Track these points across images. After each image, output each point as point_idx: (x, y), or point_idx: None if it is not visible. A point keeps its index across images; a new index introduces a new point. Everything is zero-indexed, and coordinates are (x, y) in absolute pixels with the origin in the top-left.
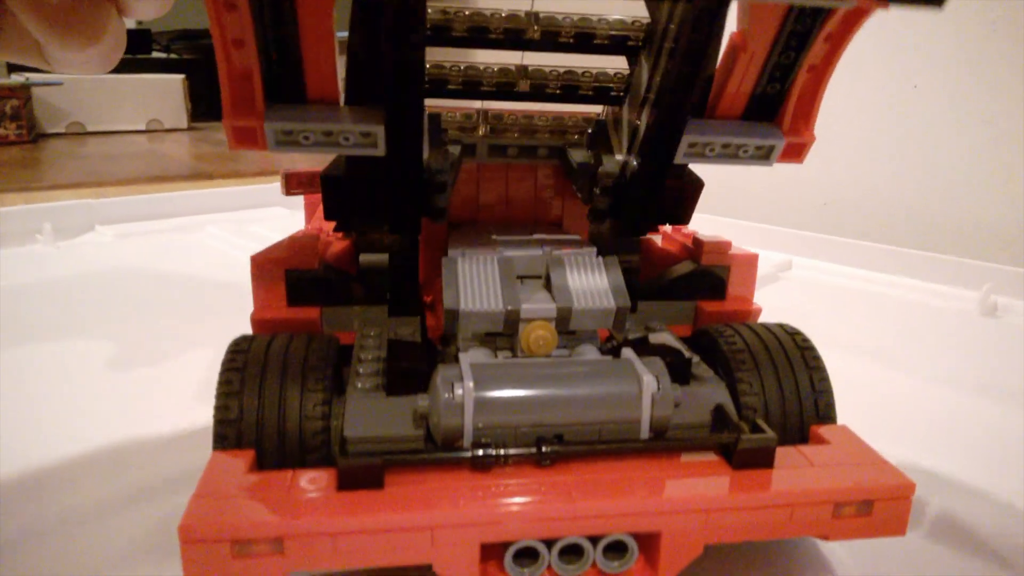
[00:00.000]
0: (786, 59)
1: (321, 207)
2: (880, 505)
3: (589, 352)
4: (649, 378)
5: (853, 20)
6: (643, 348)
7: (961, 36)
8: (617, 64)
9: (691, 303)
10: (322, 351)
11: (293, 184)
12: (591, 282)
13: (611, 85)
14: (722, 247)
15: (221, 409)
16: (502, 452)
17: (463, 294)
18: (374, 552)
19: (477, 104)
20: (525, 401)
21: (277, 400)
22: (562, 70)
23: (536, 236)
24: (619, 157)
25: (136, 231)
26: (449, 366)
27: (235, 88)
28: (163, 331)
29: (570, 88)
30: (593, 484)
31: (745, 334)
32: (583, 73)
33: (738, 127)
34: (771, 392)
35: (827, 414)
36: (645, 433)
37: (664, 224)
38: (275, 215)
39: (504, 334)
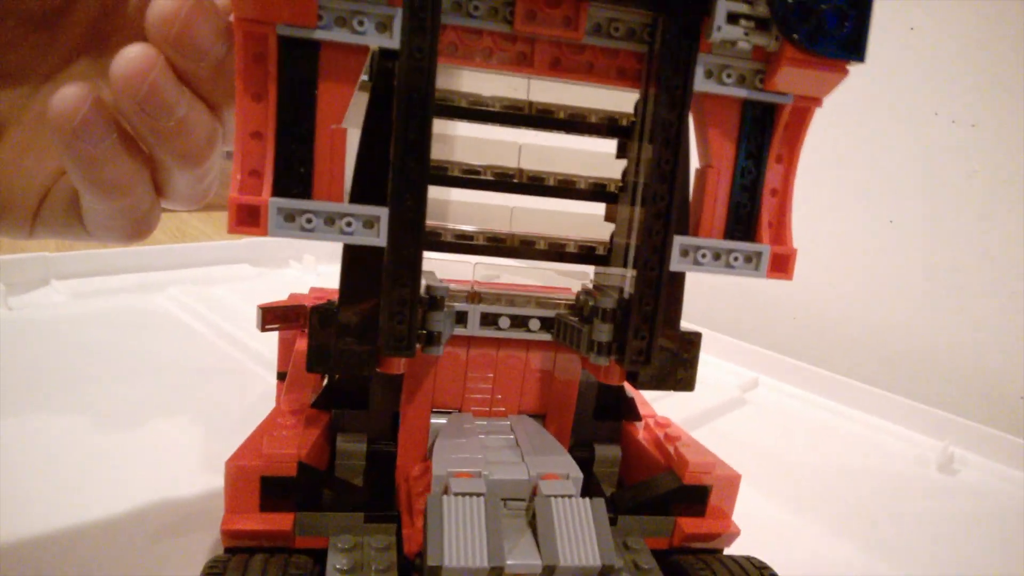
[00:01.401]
0: (748, 179)
1: (298, 347)
2: None
3: None
4: None
5: (794, 138)
6: None
7: (934, 178)
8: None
9: (670, 519)
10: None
11: (269, 319)
12: (578, 535)
13: (595, 245)
14: (707, 467)
15: None
16: None
17: (447, 546)
18: None
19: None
20: None
21: None
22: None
23: (525, 456)
24: (614, 296)
25: (100, 288)
26: None
27: (245, 177)
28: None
29: (557, 246)
30: None
31: (716, 568)
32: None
33: (724, 241)
34: None
35: None
36: None
37: (669, 388)
38: (240, 274)
39: None
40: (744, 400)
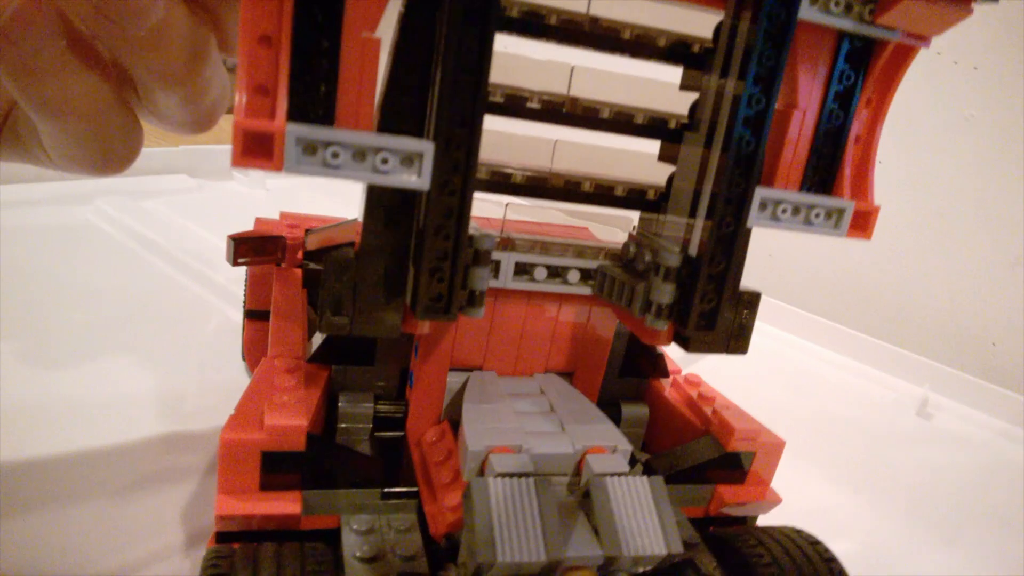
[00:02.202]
0: (834, 124)
1: (277, 290)
2: None
3: None
4: None
5: (889, 81)
6: None
7: (923, 124)
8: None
9: (709, 487)
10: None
11: (243, 252)
12: (640, 519)
13: (646, 189)
14: (751, 434)
15: None
16: None
17: (498, 538)
18: None
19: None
20: None
21: None
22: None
23: (565, 424)
24: (677, 251)
25: (15, 199)
26: None
27: (252, 95)
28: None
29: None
30: None
31: (770, 546)
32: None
33: (807, 195)
34: None
35: None
36: None
37: (720, 351)
38: (177, 186)
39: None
40: None
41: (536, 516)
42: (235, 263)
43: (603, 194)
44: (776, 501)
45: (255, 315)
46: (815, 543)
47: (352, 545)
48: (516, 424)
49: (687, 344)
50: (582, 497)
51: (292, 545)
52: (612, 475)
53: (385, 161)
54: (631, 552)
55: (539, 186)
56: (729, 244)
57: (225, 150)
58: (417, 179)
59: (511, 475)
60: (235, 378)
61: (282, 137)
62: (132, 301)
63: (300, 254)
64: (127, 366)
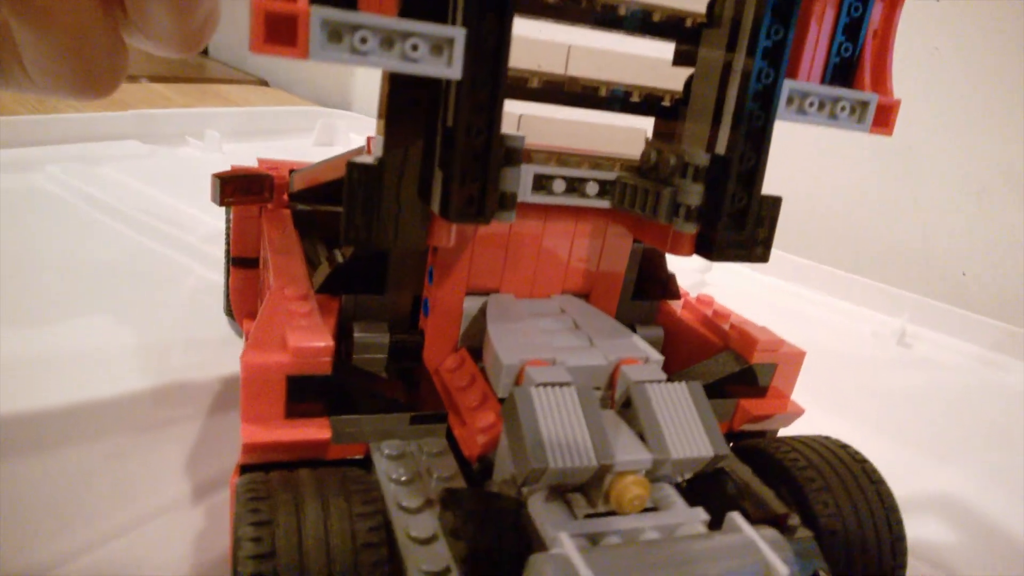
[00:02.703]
0: (854, 17)
1: (269, 230)
2: None
3: (673, 501)
4: (781, 567)
5: None
6: (722, 490)
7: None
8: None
9: (732, 401)
10: (368, 506)
11: (229, 192)
12: (683, 423)
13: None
14: (774, 344)
15: (249, 543)
16: None
17: (548, 444)
18: None
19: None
20: None
21: (321, 527)
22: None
23: (594, 339)
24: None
25: None
26: (555, 556)
27: None
28: None
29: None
30: None
31: (805, 451)
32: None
33: (833, 88)
34: (851, 522)
35: (901, 558)
36: None
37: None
38: (128, 151)
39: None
40: (704, 282)
41: (582, 423)
42: (222, 203)
43: (619, 100)
44: (799, 412)
45: (242, 263)
46: (844, 446)
47: (386, 469)
48: (545, 340)
49: (710, 252)
50: (621, 407)
51: (329, 469)
52: (651, 382)
53: (415, 48)
54: (679, 455)
55: (555, 91)
56: (759, 140)
57: (173, 116)
58: (448, 68)
59: (551, 384)
60: (219, 334)
61: (306, 19)
62: (102, 265)
63: (286, 196)
64: (106, 325)
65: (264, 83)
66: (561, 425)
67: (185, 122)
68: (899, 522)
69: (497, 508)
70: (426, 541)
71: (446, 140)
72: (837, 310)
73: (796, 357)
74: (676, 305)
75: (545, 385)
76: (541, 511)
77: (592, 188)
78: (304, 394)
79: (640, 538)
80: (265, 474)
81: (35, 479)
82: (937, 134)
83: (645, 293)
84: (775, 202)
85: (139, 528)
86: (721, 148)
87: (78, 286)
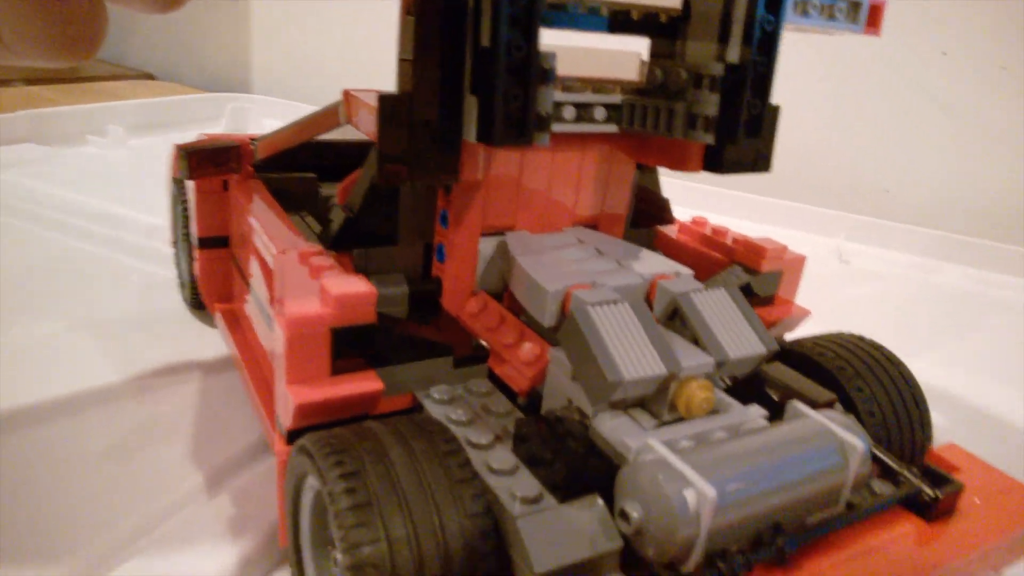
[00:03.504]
0: None
1: (244, 201)
2: None
3: (730, 403)
4: (855, 440)
5: None
6: (766, 388)
7: None
8: None
9: None
10: (450, 444)
11: (196, 163)
12: (732, 325)
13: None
14: (780, 252)
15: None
16: (746, 563)
17: (619, 359)
18: None
19: None
20: (754, 498)
21: (412, 469)
22: None
23: (620, 261)
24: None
25: None
26: (653, 461)
27: None
28: None
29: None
30: None
31: (830, 346)
32: None
33: None
34: (884, 403)
35: (928, 430)
36: (846, 496)
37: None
38: (25, 155)
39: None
40: None
41: (643, 335)
42: (192, 177)
43: (619, 19)
44: (805, 313)
45: (210, 243)
46: (861, 337)
47: (443, 413)
48: (577, 267)
49: (720, 166)
50: (666, 320)
51: (397, 416)
52: (694, 291)
53: None
54: (736, 355)
55: (561, 14)
56: (770, 45)
57: (69, 113)
58: None
59: (605, 303)
60: (182, 327)
61: None
62: (36, 272)
63: (250, 166)
64: (61, 332)
65: (150, 76)
66: (625, 339)
67: (82, 120)
68: (923, 399)
69: (568, 432)
70: (510, 471)
71: (480, 62)
72: (780, 238)
73: (798, 263)
74: (671, 230)
75: (600, 304)
76: (612, 429)
77: (600, 113)
78: (349, 346)
79: (711, 439)
80: (331, 432)
81: (41, 487)
82: (857, 60)
83: (641, 221)
84: (775, 111)
85: (162, 526)
86: (734, 57)
87: (17, 295)
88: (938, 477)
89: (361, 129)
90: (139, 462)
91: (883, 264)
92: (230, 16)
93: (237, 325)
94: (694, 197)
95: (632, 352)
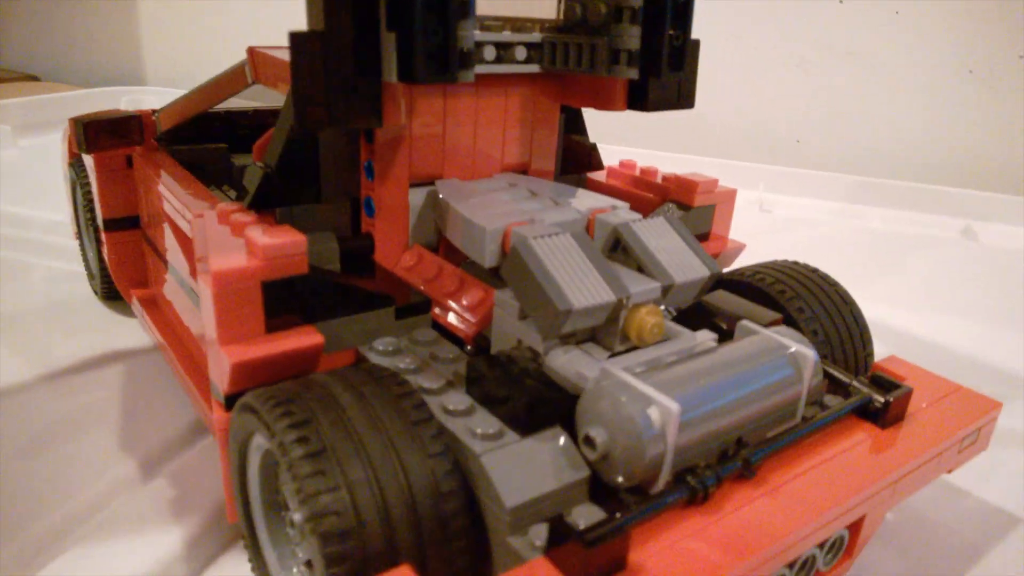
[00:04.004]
0: None
1: (152, 174)
2: (984, 430)
3: (679, 330)
4: (807, 351)
5: None
6: (712, 315)
7: None
8: None
9: None
10: (403, 386)
11: (94, 135)
12: (676, 251)
13: None
14: (711, 185)
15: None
16: (714, 476)
17: (566, 287)
18: None
19: None
20: (716, 412)
21: (365, 415)
22: None
23: (556, 200)
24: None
25: None
26: (613, 384)
27: None
28: None
29: None
30: (803, 490)
31: (766, 272)
32: None
33: None
34: (825, 321)
35: (870, 347)
36: (802, 408)
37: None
38: None
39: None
40: None
41: (588, 265)
42: (90, 150)
43: None
44: (740, 247)
45: (118, 224)
46: (796, 262)
47: (391, 364)
48: (514, 207)
49: (644, 104)
50: (608, 253)
51: (344, 367)
52: (633, 221)
53: None
54: (682, 279)
55: None
56: None
57: None
58: None
59: (547, 235)
60: (96, 319)
61: None
62: None
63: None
64: None
65: (34, 78)
66: (570, 270)
67: None
68: (861, 316)
69: (523, 369)
70: (467, 412)
71: None
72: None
73: (729, 195)
74: (600, 175)
75: (542, 236)
76: (566, 363)
77: (520, 53)
78: (280, 304)
79: (666, 363)
80: (273, 385)
81: None
82: (759, 12)
83: (570, 167)
84: (696, 45)
85: (97, 515)
86: None
87: None
88: (886, 384)
89: (270, 85)
90: (65, 453)
91: (804, 211)
92: (115, 9)
93: (157, 310)
94: (609, 158)
95: (579, 282)
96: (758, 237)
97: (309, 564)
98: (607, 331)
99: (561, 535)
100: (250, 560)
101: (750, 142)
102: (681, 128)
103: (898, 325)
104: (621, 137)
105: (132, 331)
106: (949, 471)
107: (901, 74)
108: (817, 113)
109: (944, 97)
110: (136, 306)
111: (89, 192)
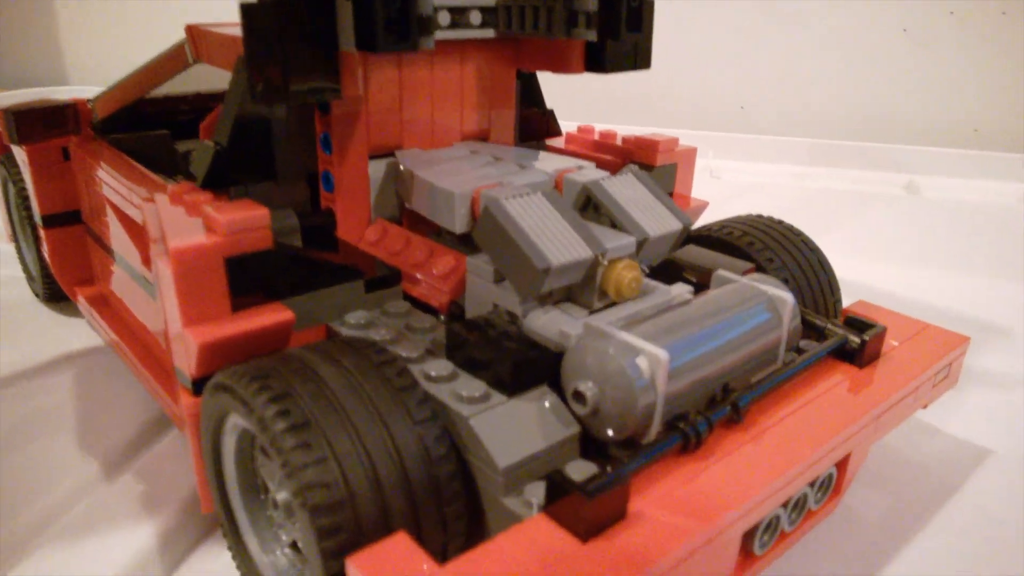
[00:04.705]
0: None
1: (92, 164)
2: (954, 364)
3: (655, 285)
4: (784, 295)
5: None
6: (684, 269)
7: None
8: None
9: None
10: (383, 355)
11: (28, 128)
12: (647, 206)
13: None
14: (672, 144)
15: (277, 419)
16: (705, 422)
17: (543, 245)
18: None
19: None
20: (703, 359)
21: (347, 383)
22: None
23: (520, 163)
24: None
25: None
26: (601, 337)
27: None
28: None
29: None
30: (792, 431)
31: (732, 225)
32: None
33: None
34: (795, 270)
35: (838, 293)
36: (783, 352)
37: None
38: None
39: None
40: None
41: (562, 222)
42: (22, 142)
43: None
44: (704, 205)
45: (57, 220)
46: (759, 216)
47: (366, 336)
48: (480, 172)
49: (603, 65)
50: (579, 212)
51: (322, 341)
52: (602, 179)
53: None
54: (656, 232)
55: None
56: None
57: None
58: None
59: (518, 196)
60: (39, 323)
61: None
62: None
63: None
64: None
65: None
66: (545, 228)
67: None
68: (827, 263)
69: (503, 332)
70: (450, 377)
71: None
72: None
73: (690, 154)
74: (559, 142)
75: (513, 197)
76: (546, 323)
77: (475, 17)
78: (245, 282)
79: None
80: (246, 362)
81: None
82: None
83: (529, 134)
84: (651, 5)
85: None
86: None
87: None
88: (860, 325)
89: (214, 62)
90: (24, 458)
91: (753, 176)
92: (29, 8)
93: (107, 307)
94: None
95: (555, 240)
96: (713, 205)
97: (295, 546)
98: (585, 289)
99: (560, 490)
100: (230, 548)
101: (695, 111)
102: (626, 100)
103: (850, 279)
104: (561, 113)
105: (81, 331)
106: (924, 406)
107: (838, 36)
108: (759, 78)
109: (881, 57)
110: (83, 304)
111: (23, 188)
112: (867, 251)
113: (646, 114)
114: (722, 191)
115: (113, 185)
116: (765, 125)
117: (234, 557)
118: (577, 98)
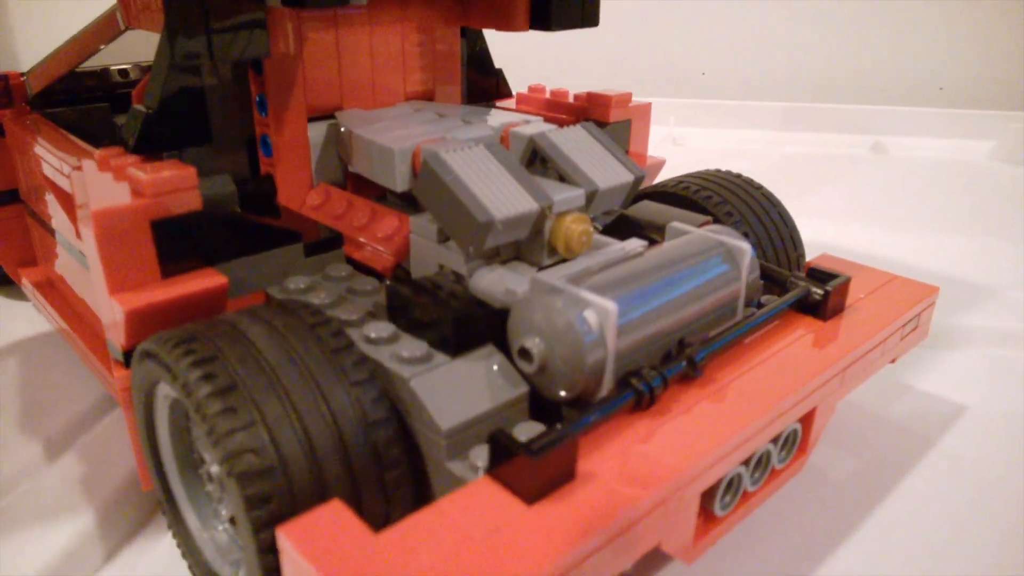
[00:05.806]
0: None
1: (26, 138)
2: (923, 316)
3: (607, 240)
4: (742, 244)
5: None
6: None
7: None
8: None
9: None
10: (317, 316)
11: None
12: (597, 157)
13: None
14: (626, 99)
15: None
16: (659, 377)
17: (485, 200)
18: (606, 566)
19: None
20: (656, 312)
21: (278, 346)
22: None
23: (465, 118)
24: None
25: None
26: (547, 291)
27: None
28: None
29: None
30: (752, 385)
31: (690, 180)
32: None
33: None
34: (755, 224)
35: (800, 248)
36: (742, 305)
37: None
38: None
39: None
40: None
41: (505, 174)
42: None
43: None
44: (661, 162)
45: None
46: (717, 170)
47: (306, 299)
48: (423, 128)
49: (548, 21)
50: (527, 165)
51: (255, 305)
52: (550, 131)
53: None
54: (606, 184)
55: None
56: None
57: None
58: None
59: (460, 149)
60: None
61: None
62: None
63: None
64: None
65: None
66: (488, 181)
67: None
68: (789, 217)
69: (449, 292)
70: (390, 339)
71: None
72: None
73: (645, 110)
74: (509, 104)
75: (454, 150)
76: (492, 281)
77: None
78: (176, 247)
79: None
80: (172, 329)
81: None
82: None
83: (478, 96)
84: None
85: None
86: None
87: None
88: (823, 276)
89: (145, 26)
90: None
91: (716, 142)
92: None
93: (51, 288)
94: None
95: (498, 193)
96: (675, 172)
97: (233, 521)
98: (533, 245)
99: (504, 450)
100: (169, 526)
101: (655, 77)
102: (580, 67)
103: (820, 241)
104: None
105: (24, 313)
106: (893, 360)
107: (797, 3)
108: (719, 43)
109: (841, 16)
110: (27, 286)
111: None
112: (836, 214)
113: (601, 82)
114: (685, 158)
115: (46, 158)
116: (726, 90)
117: (175, 535)
118: (529, 67)
